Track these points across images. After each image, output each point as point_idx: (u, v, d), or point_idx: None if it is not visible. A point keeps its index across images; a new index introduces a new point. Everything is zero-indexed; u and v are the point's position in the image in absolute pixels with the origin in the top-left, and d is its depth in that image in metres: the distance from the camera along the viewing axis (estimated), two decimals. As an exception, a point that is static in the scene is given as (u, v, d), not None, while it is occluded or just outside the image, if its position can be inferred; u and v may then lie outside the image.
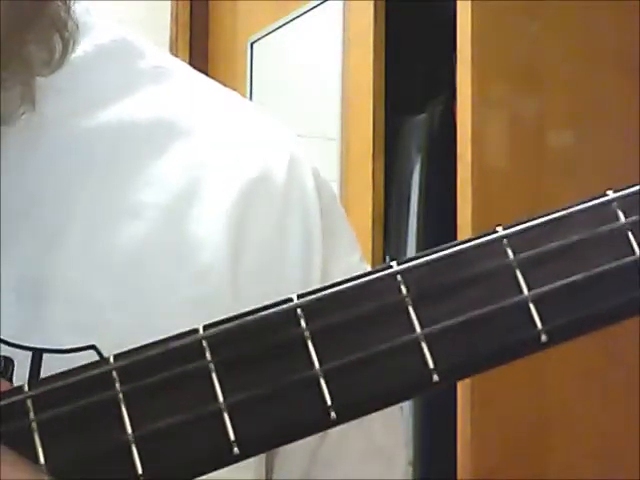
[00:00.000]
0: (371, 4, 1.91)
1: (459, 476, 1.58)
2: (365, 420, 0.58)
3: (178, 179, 0.56)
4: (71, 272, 0.52)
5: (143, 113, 0.57)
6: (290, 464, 0.58)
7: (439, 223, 1.82)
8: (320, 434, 0.57)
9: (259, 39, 2.34)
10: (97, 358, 0.50)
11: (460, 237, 1.62)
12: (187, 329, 0.39)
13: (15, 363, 0.50)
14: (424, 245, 1.86)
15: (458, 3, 1.65)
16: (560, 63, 1.66)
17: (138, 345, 0.39)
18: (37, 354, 0.50)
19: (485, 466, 1.57)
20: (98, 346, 0.51)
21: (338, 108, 2.01)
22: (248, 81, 2.35)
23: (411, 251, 1.87)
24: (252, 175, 0.58)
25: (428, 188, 1.87)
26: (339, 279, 0.57)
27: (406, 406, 1.80)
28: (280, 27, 2.25)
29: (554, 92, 1.66)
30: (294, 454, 0.58)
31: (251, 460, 0.39)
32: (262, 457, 0.56)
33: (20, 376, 0.50)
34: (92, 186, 0.55)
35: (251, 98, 2.31)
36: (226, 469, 0.39)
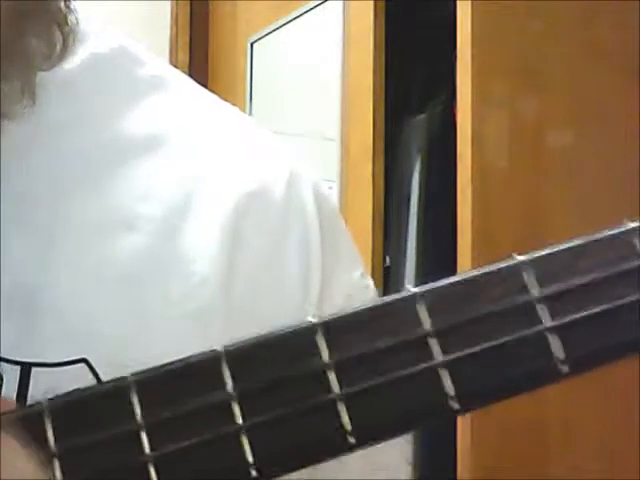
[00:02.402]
0: (371, 4, 1.91)
1: (459, 476, 1.58)
2: None
3: (174, 192, 0.56)
4: (63, 283, 0.52)
5: (140, 125, 0.57)
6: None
7: (439, 223, 1.82)
8: None
9: (259, 39, 2.34)
10: (88, 372, 0.49)
11: (460, 237, 1.62)
12: (207, 350, 0.39)
13: (4, 377, 0.49)
14: (424, 245, 1.86)
15: (458, 3, 1.65)
16: (560, 63, 1.66)
17: (156, 365, 0.39)
18: (26, 368, 0.49)
19: (485, 466, 1.57)
20: (90, 359, 0.50)
21: (338, 108, 2.01)
22: (248, 81, 2.35)
23: (411, 252, 1.87)
24: (249, 189, 0.57)
25: (428, 188, 1.87)
26: (340, 295, 0.57)
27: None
28: (280, 27, 2.25)
29: (554, 92, 1.66)
30: None
31: None
32: None
33: (9, 390, 0.49)
34: (87, 197, 0.54)
35: (251, 98, 2.31)
36: None
